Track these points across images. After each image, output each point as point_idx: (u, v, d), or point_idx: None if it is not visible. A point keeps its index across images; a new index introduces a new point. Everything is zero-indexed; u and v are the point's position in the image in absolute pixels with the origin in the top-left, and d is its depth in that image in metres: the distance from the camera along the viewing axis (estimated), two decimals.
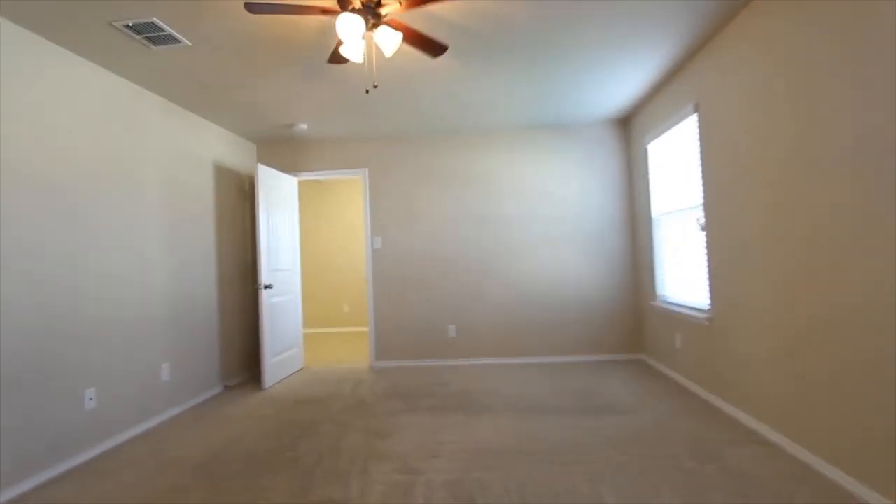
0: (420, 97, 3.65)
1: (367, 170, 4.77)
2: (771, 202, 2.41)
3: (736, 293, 2.77)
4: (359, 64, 3.00)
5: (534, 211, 4.62)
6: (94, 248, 2.76)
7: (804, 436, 2.24)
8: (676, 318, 3.63)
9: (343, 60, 2.44)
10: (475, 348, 4.63)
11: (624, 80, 3.49)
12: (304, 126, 4.22)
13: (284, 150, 4.84)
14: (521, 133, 4.64)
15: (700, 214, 3.25)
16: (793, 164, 2.24)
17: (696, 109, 3.16)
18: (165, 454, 2.66)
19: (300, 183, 7.17)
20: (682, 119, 3.37)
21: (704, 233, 3.13)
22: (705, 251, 3.13)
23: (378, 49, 2.82)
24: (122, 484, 2.31)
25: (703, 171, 3.12)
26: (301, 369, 4.68)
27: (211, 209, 3.98)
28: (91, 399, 2.68)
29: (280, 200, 4.39)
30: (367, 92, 2.27)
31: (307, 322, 7.16)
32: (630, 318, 4.51)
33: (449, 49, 2.79)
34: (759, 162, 2.49)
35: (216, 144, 4.10)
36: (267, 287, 4.02)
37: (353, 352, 5.47)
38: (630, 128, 4.49)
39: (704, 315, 3.14)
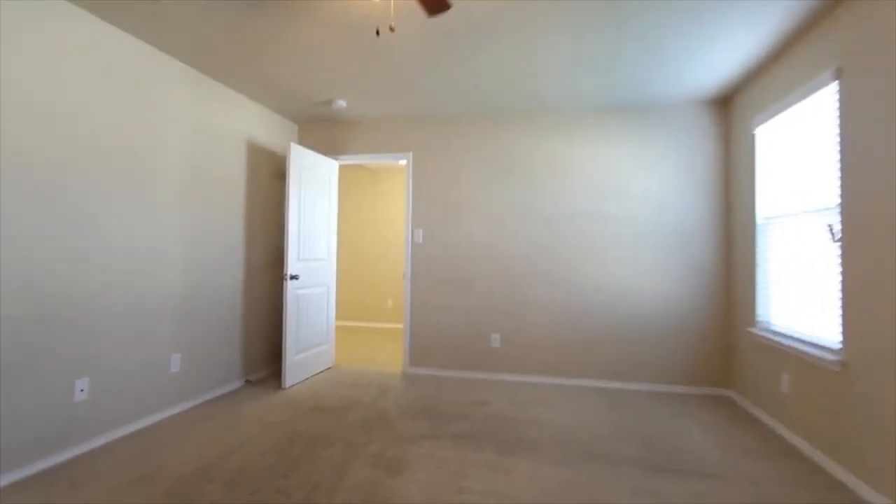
0: (469, 67, 3.10)
1: (411, 154, 4.29)
2: None
3: (886, 330, 1.95)
4: (398, 29, 2.51)
5: (601, 208, 3.90)
6: (96, 228, 2.51)
7: None
8: (785, 354, 2.80)
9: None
10: (521, 363, 4.01)
11: (729, 43, 2.70)
12: (342, 103, 3.82)
13: (326, 131, 4.50)
14: (588, 115, 3.93)
15: (833, 219, 2.41)
16: None
17: (837, 76, 2.32)
18: (153, 461, 2.36)
19: (351, 169, 6.89)
20: (812, 91, 2.53)
21: (839, 244, 2.30)
22: (839, 268, 2.30)
23: None
24: (87, 497, 2.01)
25: (841, 161, 2.29)
26: (330, 368, 4.33)
27: (242, 190, 3.71)
28: (82, 390, 2.43)
29: (315, 184, 4.04)
30: (378, 34, 1.76)
31: (349, 315, 6.89)
32: (717, 345, 3.67)
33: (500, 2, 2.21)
34: None
35: (251, 121, 3.82)
36: (293, 278, 3.68)
37: (389, 352, 5.07)
38: (731, 109, 3.63)
39: (832, 356, 2.32)
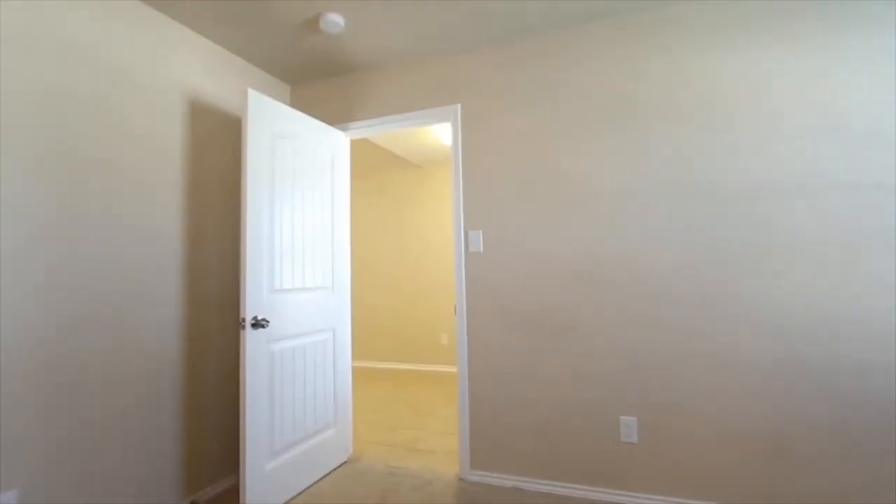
0: None
1: (458, 107, 2.61)
2: None
3: None
4: None
5: (807, 171, 1.96)
6: None
7: None
8: None
9: None
10: (682, 474, 2.10)
11: None
12: (338, 21, 2.24)
13: (333, 94, 2.94)
14: (763, 7, 2.06)
15: None
16: None
17: None
18: None
19: (391, 161, 5.36)
20: None
21: None
22: None
23: None
24: None
25: None
26: (342, 465, 2.66)
27: (177, 176, 2.21)
28: None
29: (304, 166, 2.46)
30: None
31: (390, 356, 5.27)
32: None
33: None
34: None
35: (195, 68, 2.33)
36: (256, 325, 2.07)
37: (442, 422, 3.32)
38: None
39: None
